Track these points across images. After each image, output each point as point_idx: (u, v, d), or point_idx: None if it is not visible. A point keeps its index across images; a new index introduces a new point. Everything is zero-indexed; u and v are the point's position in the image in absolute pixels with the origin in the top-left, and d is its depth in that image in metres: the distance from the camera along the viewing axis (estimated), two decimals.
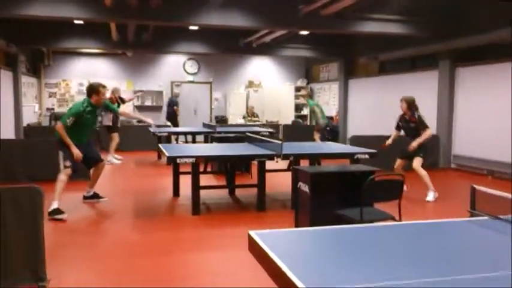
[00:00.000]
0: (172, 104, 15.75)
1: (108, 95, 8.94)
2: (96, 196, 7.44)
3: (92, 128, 7.12)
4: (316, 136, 13.54)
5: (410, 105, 7.65)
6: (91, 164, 7.19)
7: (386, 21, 10.56)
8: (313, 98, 14.57)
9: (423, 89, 12.08)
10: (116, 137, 11.90)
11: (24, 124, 14.27)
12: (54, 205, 6.44)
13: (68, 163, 6.58)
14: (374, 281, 2.00)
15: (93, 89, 6.85)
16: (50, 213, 6.30)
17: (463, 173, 10.77)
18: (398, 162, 7.90)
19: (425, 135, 7.54)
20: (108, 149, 11.91)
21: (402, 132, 8.03)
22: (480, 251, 2.51)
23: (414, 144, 7.50)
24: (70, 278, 4.32)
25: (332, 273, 2.13)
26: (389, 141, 8.00)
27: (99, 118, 7.16)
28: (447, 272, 2.15)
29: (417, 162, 7.62)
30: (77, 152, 6.55)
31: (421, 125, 7.59)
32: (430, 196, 7.66)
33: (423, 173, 7.64)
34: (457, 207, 6.76)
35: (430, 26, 10.75)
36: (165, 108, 16.89)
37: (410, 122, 7.69)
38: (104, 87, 7.01)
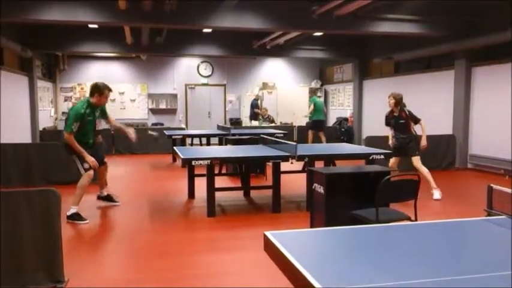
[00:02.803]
0: (253, 106, 16.75)
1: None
2: (110, 199, 7.39)
3: (93, 128, 6.78)
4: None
5: (399, 101, 7.74)
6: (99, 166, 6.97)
7: (401, 21, 10.49)
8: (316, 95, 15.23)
9: (439, 89, 12.00)
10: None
11: (40, 128, 14.43)
12: (73, 210, 6.37)
13: (86, 165, 6.41)
14: (390, 280, 1.98)
15: (98, 89, 6.56)
16: (68, 217, 6.30)
17: (480, 173, 10.65)
18: (393, 160, 7.90)
19: (424, 126, 7.71)
20: (129, 151, 11.88)
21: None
22: (497, 250, 2.48)
23: (424, 141, 7.68)
24: (87, 279, 4.35)
25: (348, 272, 2.12)
26: (392, 141, 7.99)
27: (97, 117, 6.86)
28: (464, 270, 2.13)
29: (417, 161, 7.69)
30: (91, 160, 6.37)
31: (414, 119, 7.71)
32: (437, 195, 7.66)
33: (425, 170, 7.68)
34: (474, 207, 6.69)
35: (445, 25, 10.65)
36: (180, 110, 17.94)
37: (400, 118, 7.75)
38: (110, 90, 6.73)
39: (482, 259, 2.32)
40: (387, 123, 8.05)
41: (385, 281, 1.98)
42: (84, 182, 6.44)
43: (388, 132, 8.15)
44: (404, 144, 7.75)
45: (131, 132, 7.14)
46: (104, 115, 7.04)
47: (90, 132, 6.70)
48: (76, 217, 6.35)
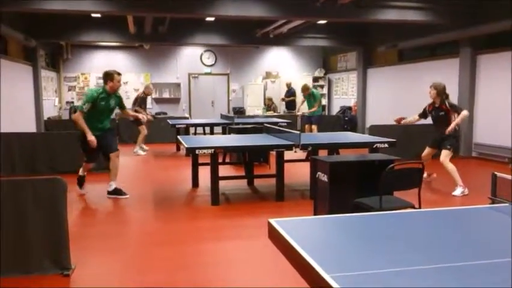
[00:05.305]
0: (289, 94, 17.01)
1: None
2: (118, 192, 7.17)
3: (107, 115, 7.12)
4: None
5: (440, 92, 7.40)
6: (107, 154, 7.07)
7: (405, 8, 10.42)
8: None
9: (443, 77, 11.87)
10: (143, 129, 12.04)
11: (45, 117, 14.47)
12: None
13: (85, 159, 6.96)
14: (393, 267, 1.99)
15: (109, 76, 6.93)
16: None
17: (484, 161, 10.64)
18: (428, 150, 7.70)
19: (461, 116, 7.17)
20: (135, 140, 12.32)
21: (421, 121, 7.89)
22: (501, 237, 2.49)
23: (452, 126, 7.16)
24: (92, 267, 4.39)
25: (351, 259, 2.13)
26: (404, 120, 7.75)
27: (113, 106, 7.14)
28: (468, 257, 2.14)
29: (444, 156, 7.33)
30: (92, 139, 6.68)
31: (455, 110, 7.27)
32: (458, 191, 7.28)
33: (450, 166, 7.31)
34: (479, 195, 6.70)
35: (450, 12, 10.59)
36: (183, 100, 18.03)
37: (440, 110, 7.40)
38: (119, 74, 7.07)
39: (486, 246, 2.33)
40: (424, 115, 7.70)
41: (388, 267, 1.99)
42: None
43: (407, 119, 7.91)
44: (443, 138, 7.40)
45: (143, 115, 8.12)
46: (121, 105, 7.34)
47: (102, 118, 6.98)
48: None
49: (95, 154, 7.06)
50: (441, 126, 7.41)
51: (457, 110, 7.33)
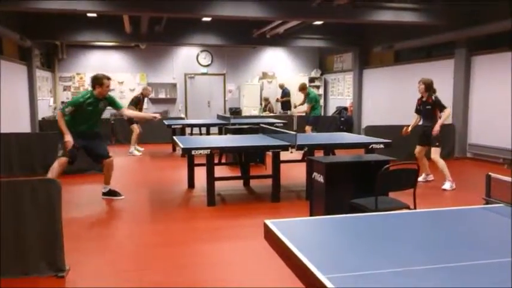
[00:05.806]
0: (283, 94, 17.00)
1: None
2: (113, 193, 7.15)
3: (95, 119, 6.85)
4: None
5: (428, 86, 7.66)
6: (97, 160, 7.02)
7: (401, 9, 10.46)
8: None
9: (439, 78, 11.92)
10: (135, 129, 11.98)
11: (40, 118, 14.41)
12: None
13: (60, 152, 6.57)
14: (389, 267, 2.00)
15: (97, 81, 6.67)
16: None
17: (479, 162, 10.67)
18: (419, 148, 7.94)
19: (445, 114, 7.60)
20: (129, 141, 12.20)
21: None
22: (495, 237, 2.50)
23: (437, 127, 7.50)
24: (88, 268, 4.38)
25: (347, 260, 2.14)
26: (409, 128, 7.94)
27: (102, 109, 6.92)
28: (462, 258, 2.15)
29: (434, 153, 7.63)
30: (68, 140, 6.43)
31: (439, 106, 7.60)
32: (447, 185, 7.63)
33: (441, 162, 7.63)
34: (473, 195, 6.72)
35: (446, 14, 10.63)
36: (179, 100, 17.95)
37: (427, 104, 7.67)
38: (109, 79, 6.81)
39: (480, 247, 2.34)
40: (417, 110, 7.96)
41: (384, 268, 2.00)
42: (54, 165, 6.63)
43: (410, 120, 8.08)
44: (428, 133, 7.68)
45: (153, 115, 7.47)
46: (115, 106, 7.03)
47: (89, 122, 6.72)
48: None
49: (73, 152, 6.62)
50: (427, 120, 7.76)
51: (440, 106, 7.64)
